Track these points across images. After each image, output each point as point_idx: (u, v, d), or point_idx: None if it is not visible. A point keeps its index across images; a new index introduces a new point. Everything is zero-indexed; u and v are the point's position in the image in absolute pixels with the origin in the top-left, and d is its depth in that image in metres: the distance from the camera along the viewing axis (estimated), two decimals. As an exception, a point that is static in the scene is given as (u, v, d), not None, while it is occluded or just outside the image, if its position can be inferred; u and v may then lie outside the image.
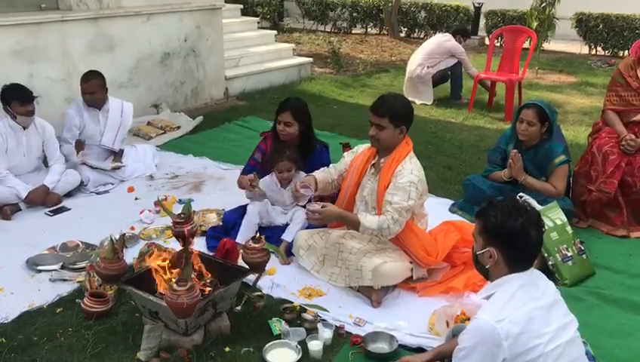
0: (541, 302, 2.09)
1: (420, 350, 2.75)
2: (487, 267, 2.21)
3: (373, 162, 3.36)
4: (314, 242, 3.46)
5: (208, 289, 2.75)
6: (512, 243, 2.15)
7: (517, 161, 3.90)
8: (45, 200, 4.28)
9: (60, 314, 3.03)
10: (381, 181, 3.22)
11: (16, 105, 4.20)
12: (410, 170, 3.18)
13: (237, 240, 3.51)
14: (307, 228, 3.66)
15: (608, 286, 3.40)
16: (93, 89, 4.72)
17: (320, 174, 3.48)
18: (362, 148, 3.50)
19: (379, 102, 3.22)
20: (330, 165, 3.61)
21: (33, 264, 3.49)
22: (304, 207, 3.40)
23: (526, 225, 2.12)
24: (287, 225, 3.75)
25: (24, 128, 4.31)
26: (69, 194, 4.50)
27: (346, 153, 3.59)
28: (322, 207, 3.15)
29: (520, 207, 2.18)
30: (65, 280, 3.34)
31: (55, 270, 3.43)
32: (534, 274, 2.20)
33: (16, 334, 2.88)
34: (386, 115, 3.15)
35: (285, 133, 3.78)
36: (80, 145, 4.71)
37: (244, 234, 3.62)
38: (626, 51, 10.43)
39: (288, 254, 3.60)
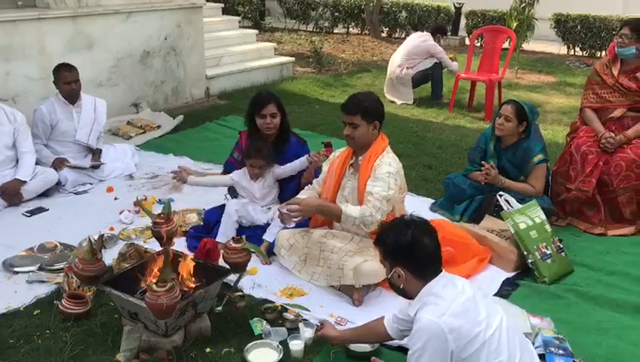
0: (466, 295, 2.21)
1: (400, 349, 2.75)
2: (401, 287, 2.31)
3: (351, 162, 3.39)
4: (295, 241, 3.45)
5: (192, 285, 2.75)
6: (410, 257, 2.26)
7: (490, 173, 3.93)
8: (14, 196, 4.19)
9: (37, 316, 2.99)
10: (361, 177, 3.26)
11: None
12: (388, 162, 3.23)
13: (217, 239, 3.50)
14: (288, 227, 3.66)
15: (586, 283, 3.44)
16: (76, 77, 4.68)
17: (305, 193, 3.50)
18: (338, 151, 3.53)
19: (349, 101, 3.26)
20: (314, 180, 3.62)
21: (10, 265, 3.44)
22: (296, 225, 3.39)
23: (416, 235, 2.25)
24: (268, 224, 3.74)
25: None
26: (46, 194, 4.44)
27: (324, 163, 3.60)
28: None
29: (407, 222, 2.33)
30: (42, 281, 3.30)
31: (32, 271, 3.38)
32: (449, 276, 2.31)
33: (-8, 337, 2.83)
34: (357, 112, 3.20)
35: (272, 125, 3.78)
36: (60, 163, 4.62)
37: (224, 232, 3.61)
38: (604, 52, 10.57)
39: (269, 254, 3.59)
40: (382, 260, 2.39)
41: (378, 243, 2.38)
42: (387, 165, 3.22)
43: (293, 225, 3.27)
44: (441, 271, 2.31)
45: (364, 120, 3.21)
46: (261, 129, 3.81)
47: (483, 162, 4.02)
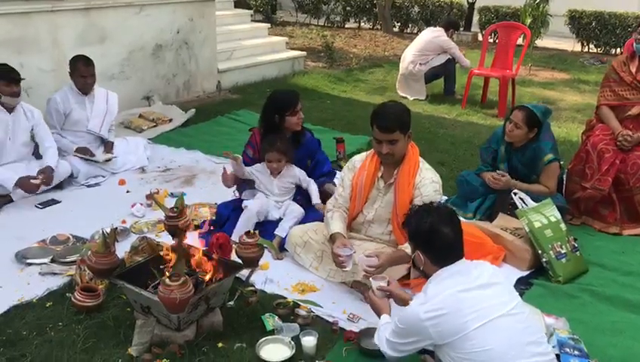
0: (469, 286, 2.25)
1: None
2: (422, 268, 2.43)
3: (379, 174, 3.29)
4: (309, 238, 3.43)
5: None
6: (429, 243, 2.38)
7: (501, 181, 3.91)
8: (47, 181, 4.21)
9: (49, 309, 2.99)
10: (402, 195, 3.16)
11: (2, 85, 4.11)
12: (430, 178, 3.17)
13: (232, 238, 3.47)
14: (300, 223, 3.65)
15: (601, 283, 3.40)
16: (92, 72, 4.71)
17: (340, 224, 3.26)
18: (358, 161, 3.39)
19: (385, 118, 3.08)
20: (338, 195, 3.39)
21: (22, 257, 3.44)
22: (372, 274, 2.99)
23: (435, 225, 2.34)
24: (280, 219, 3.73)
25: (9, 112, 4.22)
26: (59, 187, 4.44)
27: (343, 172, 3.45)
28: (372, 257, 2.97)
29: (430, 209, 2.43)
30: (55, 273, 3.30)
31: (45, 263, 3.38)
32: (467, 264, 2.36)
33: (5, 328, 2.84)
34: (396, 128, 3.08)
35: (302, 120, 3.84)
36: (84, 151, 4.66)
37: (240, 232, 3.57)
38: (619, 49, 10.47)
39: (281, 249, 3.57)
40: (408, 241, 2.53)
41: (404, 225, 2.52)
42: (430, 182, 3.15)
43: (349, 267, 3.06)
44: (461, 258, 2.36)
45: (401, 133, 3.10)
46: (291, 127, 3.80)
47: (491, 173, 3.99)
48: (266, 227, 3.67)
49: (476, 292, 2.23)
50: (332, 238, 3.21)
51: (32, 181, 4.14)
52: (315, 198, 3.84)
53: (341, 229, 3.23)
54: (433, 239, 2.35)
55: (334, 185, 3.87)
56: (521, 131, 3.87)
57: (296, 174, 3.84)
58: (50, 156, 4.32)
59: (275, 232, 3.62)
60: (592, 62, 10.03)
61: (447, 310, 2.20)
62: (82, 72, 4.66)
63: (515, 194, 3.72)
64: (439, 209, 2.44)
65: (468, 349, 2.17)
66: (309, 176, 3.92)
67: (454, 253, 2.37)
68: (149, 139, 5.51)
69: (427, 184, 3.15)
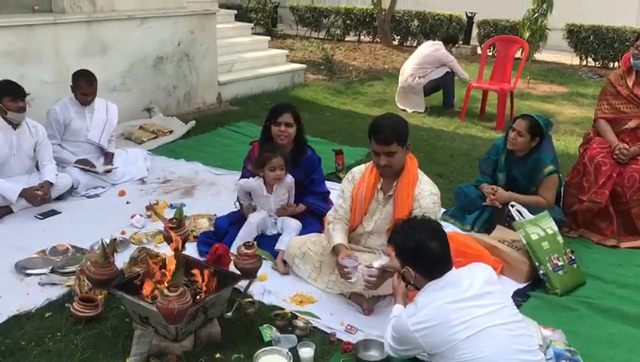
0: (459, 297, 2.30)
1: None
2: (412, 282, 2.50)
3: (379, 186, 3.29)
4: (307, 249, 3.45)
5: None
6: (417, 259, 2.43)
7: (496, 196, 3.94)
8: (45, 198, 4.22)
9: (48, 319, 3.00)
10: (401, 207, 3.16)
11: (8, 101, 4.14)
12: (429, 190, 3.18)
13: (231, 250, 3.46)
14: (298, 234, 3.67)
15: (598, 295, 3.41)
16: (94, 90, 4.78)
17: (342, 235, 3.27)
18: (358, 173, 3.39)
19: (382, 131, 3.08)
20: (338, 207, 3.38)
21: (22, 268, 3.46)
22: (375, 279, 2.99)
23: (422, 241, 2.39)
24: (278, 234, 3.73)
25: (14, 128, 4.26)
26: (59, 197, 4.45)
27: (343, 184, 3.43)
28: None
29: (415, 225, 2.46)
30: (54, 284, 3.31)
31: (44, 274, 3.39)
32: (458, 275, 2.40)
33: (4, 339, 2.85)
34: (393, 140, 3.09)
35: (286, 134, 3.79)
36: (85, 162, 4.71)
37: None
38: (617, 63, 10.52)
39: (286, 263, 3.55)
40: (395, 256, 2.56)
41: (391, 241, 2.56)
42: (429, 194, 3.16)
43: (355, 278, 3.06)
44: (451, 268, 2.41)
45: (399, 145, 3.11)
46: (275, 138, 3.81)
47: (489, 188, 4.03)
48: (264, 241, 3.65)
49: (466, 304, 2.27)
50: (335, 250, 3.22)
51: (36, 191, 4.17)
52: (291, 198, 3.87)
53: (343, 241, 3.24)
54: (421, 255, 2.40)
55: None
56: (524, 139, 3.90)
57: (288, 182, 3.82)
58: (47, 171, 4.34)
59: (277, 247, 3.61)
60: (590, 76, 10.09)
61: (435, 322, 2.25)
62: (84, 89, 4.73)
63: (513, 206, 3.74)
64: (423, 224, 2.46)
65: (458, 358, 2.22)
66: (303, 194, 3.92)
67: (443, 265, 2.41)
68: (149, 150, 5.54)
69: (426, 196, 3.17)
